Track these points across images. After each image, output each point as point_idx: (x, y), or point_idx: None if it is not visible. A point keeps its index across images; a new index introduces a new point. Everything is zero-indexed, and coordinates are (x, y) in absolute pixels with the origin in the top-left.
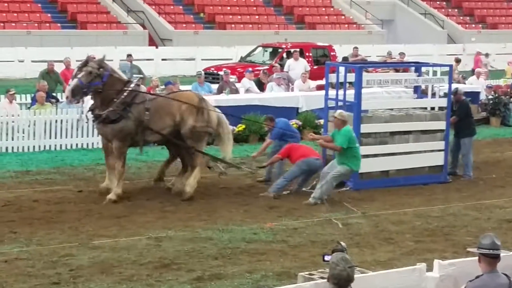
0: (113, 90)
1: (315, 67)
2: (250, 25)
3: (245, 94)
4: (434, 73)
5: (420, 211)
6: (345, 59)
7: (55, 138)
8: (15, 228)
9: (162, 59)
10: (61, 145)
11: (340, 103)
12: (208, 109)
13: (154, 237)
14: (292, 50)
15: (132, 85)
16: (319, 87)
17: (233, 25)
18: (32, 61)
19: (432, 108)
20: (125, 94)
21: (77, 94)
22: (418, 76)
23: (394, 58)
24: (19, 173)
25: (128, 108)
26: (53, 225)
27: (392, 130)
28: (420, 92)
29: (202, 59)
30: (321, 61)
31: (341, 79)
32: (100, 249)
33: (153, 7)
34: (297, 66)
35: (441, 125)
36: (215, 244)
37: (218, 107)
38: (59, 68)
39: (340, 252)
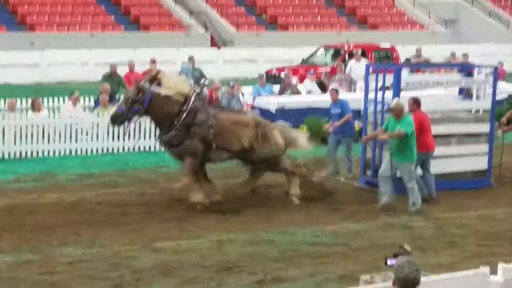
0: (165, 112)
1: None
2: (312, 26)
3: (307, 95)
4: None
5: (484, 214)
6: (407, 60)
7: (118, 140)
8: (78, 230)
9: (224, 61)
10: (123, 147)
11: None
12: (270, 131)
13: (215, 240)
14: (354, 51)
15: (190, 104)
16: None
17: (295, 26)
18: (95, 64)
19: (477, 111)
20: (184, 115)
21: (117, 121)
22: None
23: (458, 58)
24: (82, 176)
25: (192, 129)
26: (115, 227)
27: (434, 133)
28: (465, 94)
29: (264, 61)
30: (384, 62)
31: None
32: (162, 252)
33: (215, 8)
34: (359, 68)
35: (485, 127)
36: (276, 246)
37: (280, 109)
38: (122, 70)
39: (405, 255)
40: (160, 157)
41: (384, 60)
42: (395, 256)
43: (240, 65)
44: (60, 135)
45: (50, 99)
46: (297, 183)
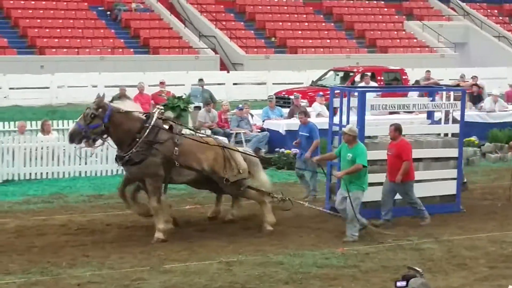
0: (126, 128)
1: None
2: (321, 49)
3: (316, 118)
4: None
5: (494, 236)
6: (417, 82)
7: None
8: (87, 252)
9: (234, 84)
10: None
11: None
12: (233, 154)
13: (225, 262)
14: (363, 74)
15: (153, 121)
16: (391, 112)
17: (304, 49)
18: (105, 86)
19: (446, 135)
20: (146, 132)
21: (75, 138)
22: (432, 100)
23: (467, 81)
24: (92, 197)
25: (154, 146)
26: (125, 249)
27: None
28: (433, 118)
29: (273, 83)
30: (393, 85)
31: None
32: (171, 273)
33: (225, 31)
34: None
35: (454, 152)
36: (286, 268)
37: (290, 131)
38: (131, 93)
39: (418, 277)
40: None
41: (393, 82)
42: (404, 278)
43: (249, 88)
44: (69, 157)
45: (60, 121)
46: (269, 209)
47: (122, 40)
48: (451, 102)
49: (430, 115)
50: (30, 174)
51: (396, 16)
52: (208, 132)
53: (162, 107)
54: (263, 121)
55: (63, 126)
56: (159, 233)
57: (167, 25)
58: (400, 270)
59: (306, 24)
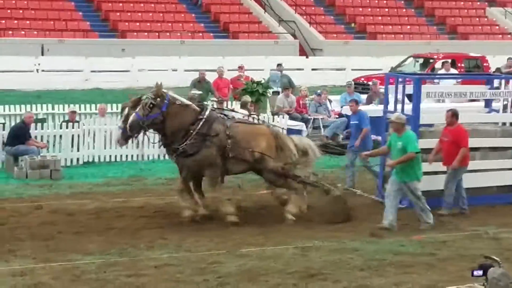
0: (182, 119)
1: None
2: (401, 35)
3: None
4: None
5: None
6: (498, 70)
7: None
8: (165, 234)
9: (312, 69)
10: None
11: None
12: (285, 141)
13: (300, 247)
14: (443, 60)
15: (207, 113)
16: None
17: (384, 35)
18: (185, 70)
19: (504, 124)
20: (200, 123)
21: (134, 129)
22: (490, 88)
23: None
24: (170, 180)
25: (208, 138)
26: (201, 232)
27: None
28: (491, 106)
29: (352, 69)
30: (474, 72)
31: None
32: (247, 257)
33: (305, 17)
34: None
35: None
36: (361, 255)
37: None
38: (210, 77)
39: (497, 267)
40: None
41: (474, 69)
42: (481, 267)
43: (328, 73)
44: (148, 139)
45: None
46: (297, 200)
47: (202, 25)
48: (510, 90)
49: (488, 103)
50: (110, 156)
51: (478, 3)
52: (286, 117)
53: (216, 100)
54: (341, 107)
55: None
56: (230, 216)
57: (247, 9)
58: (477, 259)
59: (386, 10)
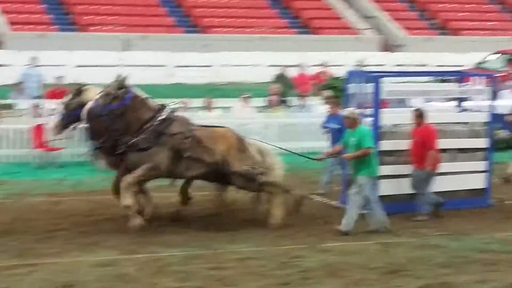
0: (139, 115)
1: None
2: (485, 32)
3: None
4: None
5: None
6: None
7: (287, 141)
8: (248, 228)
9: (394, 65)
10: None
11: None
12: (247, 146)
13: (382, 243)
14: None
15: (167, 112)
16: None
17: (467, 31)
18: (267, 66)
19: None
20: (158, 120)
21: (93, 118)
22: (460, 86)
23: None
24: None
25: (163, 137)
26: (284, 226)
27: None
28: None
29: (435, 66)
30: None
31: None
32: (329, 252)
33: (387, 13)
34: None
35: (482, 143)
36: (444, 252)
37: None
38: (292, 72)
39: None
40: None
41: None
42: None
43: (410, 70)
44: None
45: (222, 99)
46: (280, 203)
47: (284, 21)
48: (478, 88)
49: (459, 102)
50: None
51: None
52: None
53: (177, 102)
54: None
55: (225, 104)
56: (134, 220)
57: (329, 5)
58: None
59: (469, 5)
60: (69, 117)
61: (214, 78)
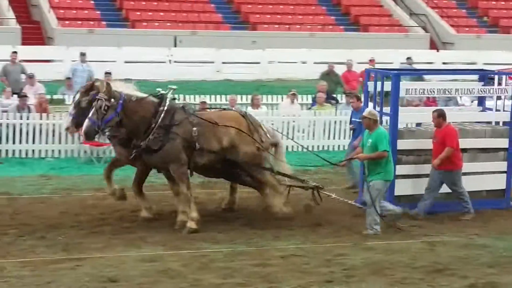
0: (141, 115)
1: None
2: None
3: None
4: None
5: None
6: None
7: (334, 138)
8: (291, 225)
9: (443, 63)
10: (339, 145)
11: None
12: (257, 126)
13: (427, 241)
14: None
15: (166, 103)
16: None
17: None
18: (314, 63)
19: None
20: (162, 115)
21: (91, 136)
22: (484, 85)
23: None
24: (299, 172)
25: (172, 129)
26: (327, 224)
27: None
28: (484, 105)
29: (484, 64)
30: None
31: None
32: (373, 251)
33: (436, 10)
34: None
35: (503, 142)
36: (490, 252)
37: None
38: (339, 70)
39: None
40: None
41: None
42: None
43: (459, 67)
44: (277, 130)
45: (269, 96)
46: (280, 197)
47: (332, 18)
48: (500, 87)
49: (481, 101)
50: None
51: None
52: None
53: (174, 87)
54: (472, 102)
55: (271, 100)
56: (191, 222)
57: (378, 2)
58: None
59: None
60: (81, 116)
61: (261, 74)
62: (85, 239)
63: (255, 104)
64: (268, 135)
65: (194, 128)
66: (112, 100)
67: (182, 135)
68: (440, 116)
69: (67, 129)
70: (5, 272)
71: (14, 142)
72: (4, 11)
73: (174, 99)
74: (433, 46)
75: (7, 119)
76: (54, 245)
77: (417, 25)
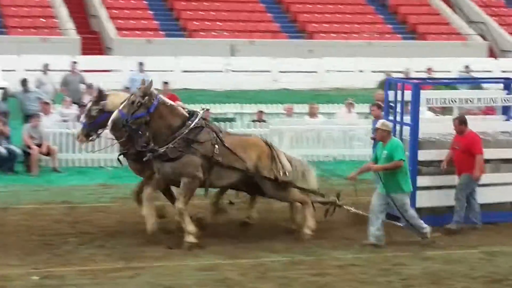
0: (168, 122)
1: None
2: None
3: None
4: None
5: None
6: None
7: None
8: (349, 235)
9: (502, 71)
10: None
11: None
12: (278, 155)
13: (486, 251)
14: None
15: (196, 119)
16: None
17: None
18: (372, 71)
19: None
20: (188, 129)
21: (117, 128)
22: (508, 94)
23: None
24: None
25: (193, 145)
26: (385, 234)
27: None
28: (510, 114)
29: None
30: None
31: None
32: (432, 260)
33: (495, 18)
34: None
35: None
36: None
37: None
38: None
39: None
40: None
41: None
42: None
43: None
44: (334, 140)
45: (326, 105)
46: (311, 213)
47: (390, 26)
48: None
49: (506, 110)
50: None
51: None
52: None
53: (208, 107)
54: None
55: (329, 110)
56: (189, 236)
57: (436, 10)
58: None
59: None
60: (91, 125)
61: (318, 83)
62: (144, 248)
63: (312, 113)
64: (294, 163)
65: (216, 146)
66: (146, 98)
67: (202, 152)
68: (462, 122)
69: (77, 137)
70: (65, 281)
71: (74, 152)
72: (64, 22)
73: (204, 119)
74: (492, 54)
75: (67, 128)
76: (112, 253)
77: (475, 33)
